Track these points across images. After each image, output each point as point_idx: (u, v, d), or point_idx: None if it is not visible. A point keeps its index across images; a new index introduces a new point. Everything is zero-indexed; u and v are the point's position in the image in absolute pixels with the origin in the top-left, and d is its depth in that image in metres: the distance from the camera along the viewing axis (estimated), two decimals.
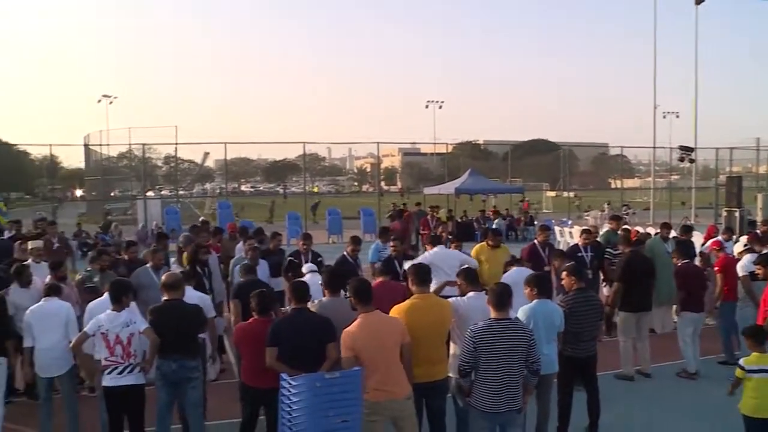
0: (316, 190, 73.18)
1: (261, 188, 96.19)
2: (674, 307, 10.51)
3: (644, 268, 9.93)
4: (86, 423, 7.59)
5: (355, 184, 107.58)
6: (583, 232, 12.13)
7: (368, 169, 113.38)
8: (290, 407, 5.65)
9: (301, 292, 6.54)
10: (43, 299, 7.60)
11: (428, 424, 6.59)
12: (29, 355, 7.48)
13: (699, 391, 9.29)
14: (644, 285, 9.81)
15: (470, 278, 7.06)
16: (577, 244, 11.77)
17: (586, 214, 37.90)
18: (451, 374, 6.54)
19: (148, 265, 9.41)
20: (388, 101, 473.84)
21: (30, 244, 10.45)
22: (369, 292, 6.09)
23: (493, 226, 21.17)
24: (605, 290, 11.83)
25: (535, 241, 11.90)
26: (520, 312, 6.84)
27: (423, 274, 6.59)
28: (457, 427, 6.92)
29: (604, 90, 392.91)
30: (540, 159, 70.79)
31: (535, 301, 7.00)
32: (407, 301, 6.41)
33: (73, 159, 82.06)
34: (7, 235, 15.20)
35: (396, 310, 6.31)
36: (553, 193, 56.87)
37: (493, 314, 5.97)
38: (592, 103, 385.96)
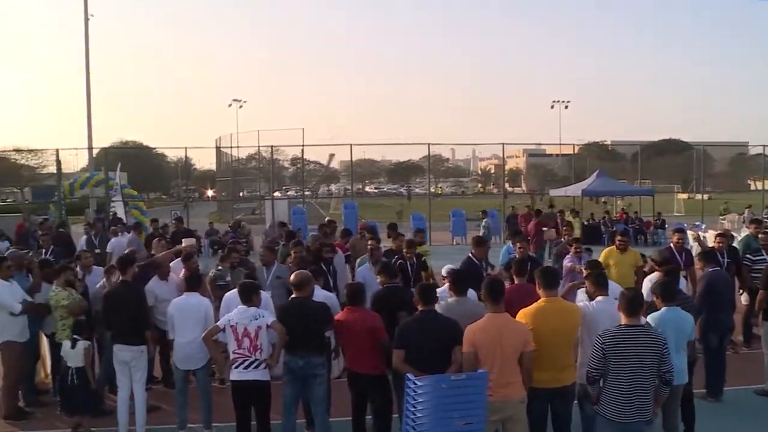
0: (439, 191, 73.28)
1: (385, 189, 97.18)
2: None
3: None
4: (217, 412, 7.92)
5: (479, 185, 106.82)
6: (718, 235, 11.53)
7: (492, 171, 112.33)
8: (414, 407, 5.64)
9: (429, 293, 6.52)
10: (185, 293, 7.98)
11: (553, 430, 6.43)
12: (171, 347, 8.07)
13: None
14: None
15: (599, 282, 6.80)
16: (713, 248, 11.21)
17: (722, 217, 36.03)
18: (578, 380, 6.36)
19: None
20: (513, 102, 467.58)
21: (184, 242, 10.98)
22: (501, 292, 6.06)
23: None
24: (743, 299, 11.22)
25: (671, 244, 11.49)
26: (649, 319, 6.57)
27: (551, 277, 6.45)
28: None
29: (744, 85, 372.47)
30: (671, 159, 68.04)
31: (663, 308, 6.72)
32: (534, 305, 6.29)
33: (205, 161, 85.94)
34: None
35: (523, 314, 6.21)
36: (685, 196, 54.53)
37: (623, 320, 5.78)
38: (730, 100, 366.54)
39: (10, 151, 52.62)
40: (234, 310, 6.93)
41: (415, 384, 5.64)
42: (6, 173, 53.86)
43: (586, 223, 30.12)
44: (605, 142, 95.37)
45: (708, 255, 9.59)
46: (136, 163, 57.39)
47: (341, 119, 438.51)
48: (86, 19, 35.28)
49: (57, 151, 30.46)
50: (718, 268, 9.35)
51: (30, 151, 53.42)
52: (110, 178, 29.34)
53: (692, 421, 7.34)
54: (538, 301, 6.31)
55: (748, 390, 8.95)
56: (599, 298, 6.63)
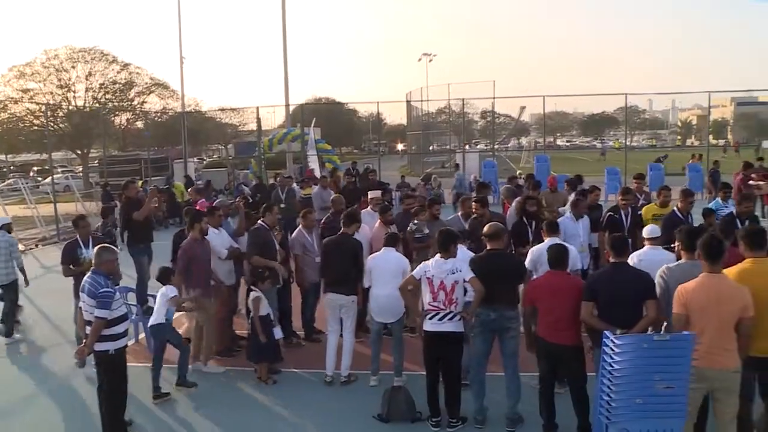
0: (617, 145, 69.75)
1: (577, 142, 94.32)
2: None
3: None
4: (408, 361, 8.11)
5: (678, 138, 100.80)
6: None
7: (693, 122, 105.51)
8: (612, 366, 5.38)
9: (621, 245, 6.27)
10: (383, 249, 8.15)
11: (762, 401, 5.92)
12: (365, 294, 8.34)
13: None
14: None
15: None
16: None
17: None
18: None
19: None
20: (720, 44, 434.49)
21: (370, 194, 11.35)
22: (719, 249, 5.56)
23: None
24: None
25: None
26: None
27: (758, 236, 5.84)
28: None
29: None
30: None
31: None
32: (738, 266, 5.75)
33: (395, 115, 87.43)
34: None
35: (728, 274, 5.66)
36: None
37: None
38: None
39: (215, 110, 56.14)
40: (431, 261, 6.91)
41: (613, 342, 5.36)
42: (213, 131, 57.51)
43: None
44: None
45: None
46: (329, 119, 59.42)
47: (533, 70, 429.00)
48: None
49: (257, 109, 32.16)
50: None
51: (233, 109, 56.69)
52: (305, 133, 30.53)
53: None
54: (743, 261, 5.76)
55: None
56: None
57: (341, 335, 8.41)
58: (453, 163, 35.23)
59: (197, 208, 10.90)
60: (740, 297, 5.41)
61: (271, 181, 24.30)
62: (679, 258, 6.51)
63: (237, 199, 12.57)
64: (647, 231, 7.83)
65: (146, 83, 46.39)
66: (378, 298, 7.95)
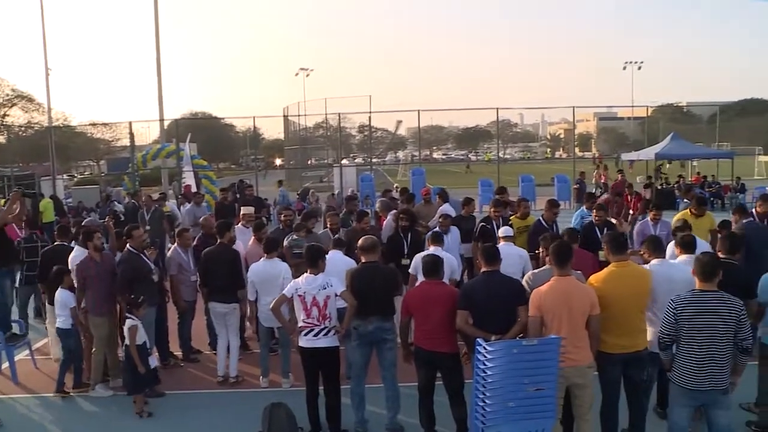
0: (487, 158, 72.20)
1: (452, 155, 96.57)
2: None
3: None
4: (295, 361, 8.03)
5: (548, 150, 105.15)
6: None
7: (562, 135, 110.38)
8: (485, 372, 5.56)
9: (492, 254, 6.46)
10: (263, 259, 8.30)
11: (626, 396, 6.26)
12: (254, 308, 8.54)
13: None
14: None
15: (654, 246, 6.66)
16: None
17: None
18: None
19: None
20: (584, 64, 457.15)
21: (243, 210, 11.21)
22: (568, 255, 5.92)
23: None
24: None
25: (754, 211, 10.97)
26: (764, 281, 6.64)
27: (620, 241, 6.25)
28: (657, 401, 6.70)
29: None
30: (752, 121, 65.43)
31: None
32: (605, 270, 6.14)
33: (273, 130, 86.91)
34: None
35: (594, 279, 6.09)
36: (766, 158, 52.40)
37: (698, 285, 5.57)
38: None
39: (86, 125, 54.13)
40: (301, 278, 6.94)
41: (485, 349, 5.55)
42: (83, 147, 55.45)
43: (659, 187, 29.34)
44: (680, 104, 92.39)
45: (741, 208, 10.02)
46: (205, 134, 58.42)
47: (408, 85, 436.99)
48: None
49: (130, 123, 31.28)
50: (751, 219, 9.65)
51: (105, 124, 54.85)
52: (181, 149, 29.89)
53: None
54: (609, 265, 6.15)
55: None
56: (654, 261, 6.50)
57: None
58: (331, 178, 35.40)
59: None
60: (587, 297, 5.78)
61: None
62: (543, 264, 6.86)
63: (107, 219, 12.08)
64: (502, 231, 8.78)
65: (7, 95, 44.14)
66: (263, 306, 8.09)
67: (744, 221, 9.49)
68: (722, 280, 5.60)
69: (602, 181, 29.19)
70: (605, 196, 18.13)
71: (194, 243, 9.80)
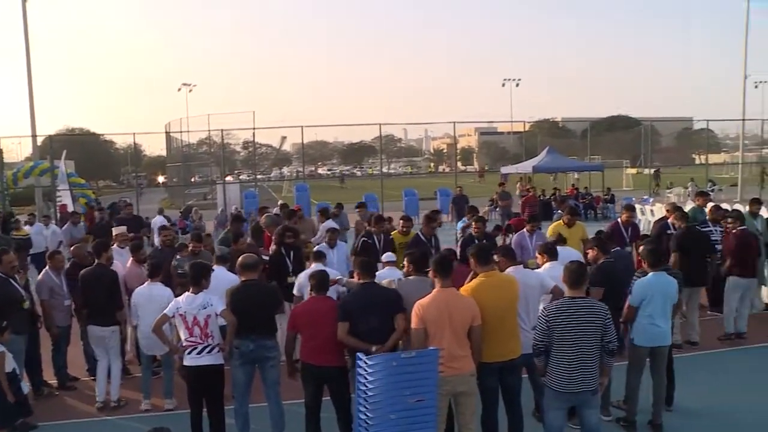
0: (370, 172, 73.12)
1: (337, 171, 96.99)
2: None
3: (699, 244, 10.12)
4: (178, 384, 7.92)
5: (431, 164, 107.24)
6: (676, 209, 11.54)
7: (444, 150, 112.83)
8: (366, 386, 5.64)
9: (369, 266, 6.68)
10: (147, 283, 8.19)
11: (504, 402, 6.50)
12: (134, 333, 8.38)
13: None
14: (696, 261, 9.96)
15: (508, 255, 7.06)
16: (666, 222, 11.40)
17: (668, 191, 36.78)
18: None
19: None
20: (465, 80, 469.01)
21: (114, 231, 10.86)
22: (450, 267, 6.10)
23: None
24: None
25: (619, 220, 11.65)
26: (637, 284, 7.07)
27: (486, 253, 6.48)
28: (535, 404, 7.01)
29: (689, 61, 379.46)
30: (620, 136, 69.11)
31: (651, 274, 7.11)
32: (475, 281, 6.33)
33: (155, 147, 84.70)
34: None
35: (465, 290, 6.25)
36: (633, 170, 55.40)
37: (567, 292, 5.89)
38: (676, 76, 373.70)
39: None
40: (181, 298, 6.85)
41: (366, 363, 5.63)
42: None
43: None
44: (556, 119, 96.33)
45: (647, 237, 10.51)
46: (83, 151, 56.43)
47: (292, 101, 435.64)
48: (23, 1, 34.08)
49: None
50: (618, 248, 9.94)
51: None
52: (56, 166, 28.67)
53: (672, 381, 7.68)
54: (477, 277, 6.34)
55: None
56: (509, 269, 6.84)
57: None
58: (215, 195, 34.84)
59: None
60: (469, 308, 5.96)
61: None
62: (409, 275, 7.10)
63: None
64: (385, 257, 8.95)
65: None
66: (145, 332, 7.83)
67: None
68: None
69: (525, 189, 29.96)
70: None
71: (66, 271, 9.32)
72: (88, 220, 16.58)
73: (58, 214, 24.56)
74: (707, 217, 11.51)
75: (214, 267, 8.04)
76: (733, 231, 10.39)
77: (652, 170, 46.43)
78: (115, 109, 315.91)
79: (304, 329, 6.57)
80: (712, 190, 32.71)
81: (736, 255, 10.20)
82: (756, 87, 61.83)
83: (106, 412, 8.27)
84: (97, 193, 39.62)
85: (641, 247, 7.98)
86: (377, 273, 7.48)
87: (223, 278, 7.94)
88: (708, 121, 42.99)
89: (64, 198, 27.17)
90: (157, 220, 19.81)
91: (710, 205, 12.37)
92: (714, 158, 59.52)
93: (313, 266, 8.30)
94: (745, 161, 42.73)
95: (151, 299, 7.96)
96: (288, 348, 6.78)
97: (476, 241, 9.90)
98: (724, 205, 13.32)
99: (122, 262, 9.39)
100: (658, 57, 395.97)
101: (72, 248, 10.47)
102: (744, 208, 12.35)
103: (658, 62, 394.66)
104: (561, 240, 9.26)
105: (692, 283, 9.68)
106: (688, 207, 14.24)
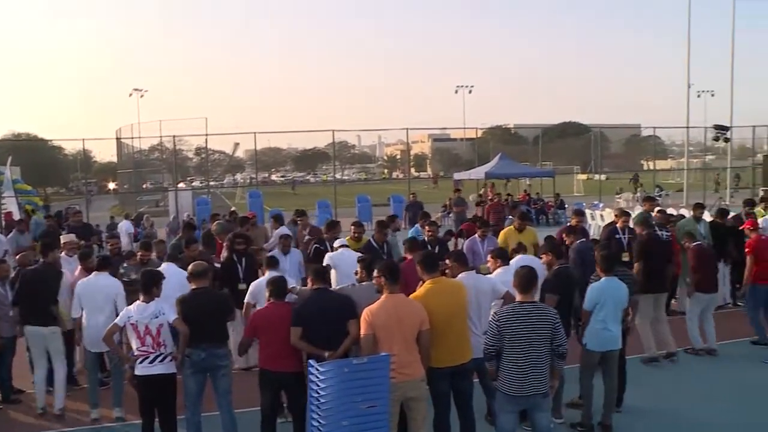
0: (324, 179, 73.07)
1: (291, 177, 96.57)
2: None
3: (659, 249, 10.06)
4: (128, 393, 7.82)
5: (385, 171, 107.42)
6: (623, 214, 11.73)
7: (398, 156, 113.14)
8: (318, 393, 5.64)
9: (321, 272, 6.76)
10: (93, 273, 8.10)
11: (456, 407, 6.54)
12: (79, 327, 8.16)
13: (733, 372, 9.34)
14: (660, 267, 9.89)
15: (459, 260, 7.19)
16: (615, 227, 11.62)
17: (617, 196, 37.47)
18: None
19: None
20: (418, 87, 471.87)
21: (63, 239, 10.67)
22: (397, 273, 6.14)
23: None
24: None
25: (569, 224, 11.85)
26: (590, 289, 7.23)
27: (432, 260, 6.56)
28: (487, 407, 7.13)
29: (636, 70, 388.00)
30: (571, 142, 70.16)
31: (603, 278, 7.27)
32: (423, 287, 6.37)
33: (105, 153, 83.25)
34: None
35: (413, 297, 6.29)
36: (584, 176, 56.27)
37: (518, 297, 5.97)
38: (624, 84, 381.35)
39: None
40: (132, 307, 6.78)
41: (317, 370, 5.63)
42: None
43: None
44: (508, 126, 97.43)
45: (572, 229, 10.68)
46: (29, 157, 55.03)
47: (245, 108, 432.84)
48: None
49: None
50: (584, 239, 10.37)
51: None
52: (0, 172, 28.03)
53: (623, 384, 7.83)
54: (425, 284, 6.38)
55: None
56: (461, 274, 6.93)
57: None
58: (167, 202, 34.42)
59: None
60: (417, 313, 6.01)
61: None
62: (362, 281, 7.20)
63: None
64: (337, 242, 9.40)
65: None
66: (89, 328, 7.75)
67: (578, 241, 10.01)
68: None
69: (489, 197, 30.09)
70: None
71: (12, 279, 9.15)
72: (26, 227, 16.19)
73: (3, 222, 24.02)
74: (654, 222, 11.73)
75: (164, 265, 8.07)
76: (690, 247, 10.45)
77: (630, 177, 47.18)
78: (65, 114, 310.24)
79: (261, 335, 6.58)
80: (660, 195, 33.40)
81: (697, 271, 10.16)
82: (699, 96, 63.32)
83: (48, 421, 8.09)
84: (45, 200, 38.77)
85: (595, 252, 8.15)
86: (329, 254, 7.51)
87: (173, 274, 8.02)
88: (655, 128, 43.87)
89: (10, 205, 26.57)
90: (123, 225, 19.71)
91: (657, 209, 12.66)
92: (661, 164, 60.86)
93: (267, 273, 8.25)
94: (690, 167, 43.79)
95: (97, 289, 7.88)
96: (241, 350, 6.90)
97: (429, 247, 9.99)
98: (670, 210, 13.64)
99: (71, 270, 9.20)
100: (608, 65, 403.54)
101: (18, 256, 10.24)
102: (689, 213, 12.67)
103: (608, 70, 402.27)
104: (521, 248, 9.35)
105: (655, 290, 9.71)
106: (636, 212, 14.54)
